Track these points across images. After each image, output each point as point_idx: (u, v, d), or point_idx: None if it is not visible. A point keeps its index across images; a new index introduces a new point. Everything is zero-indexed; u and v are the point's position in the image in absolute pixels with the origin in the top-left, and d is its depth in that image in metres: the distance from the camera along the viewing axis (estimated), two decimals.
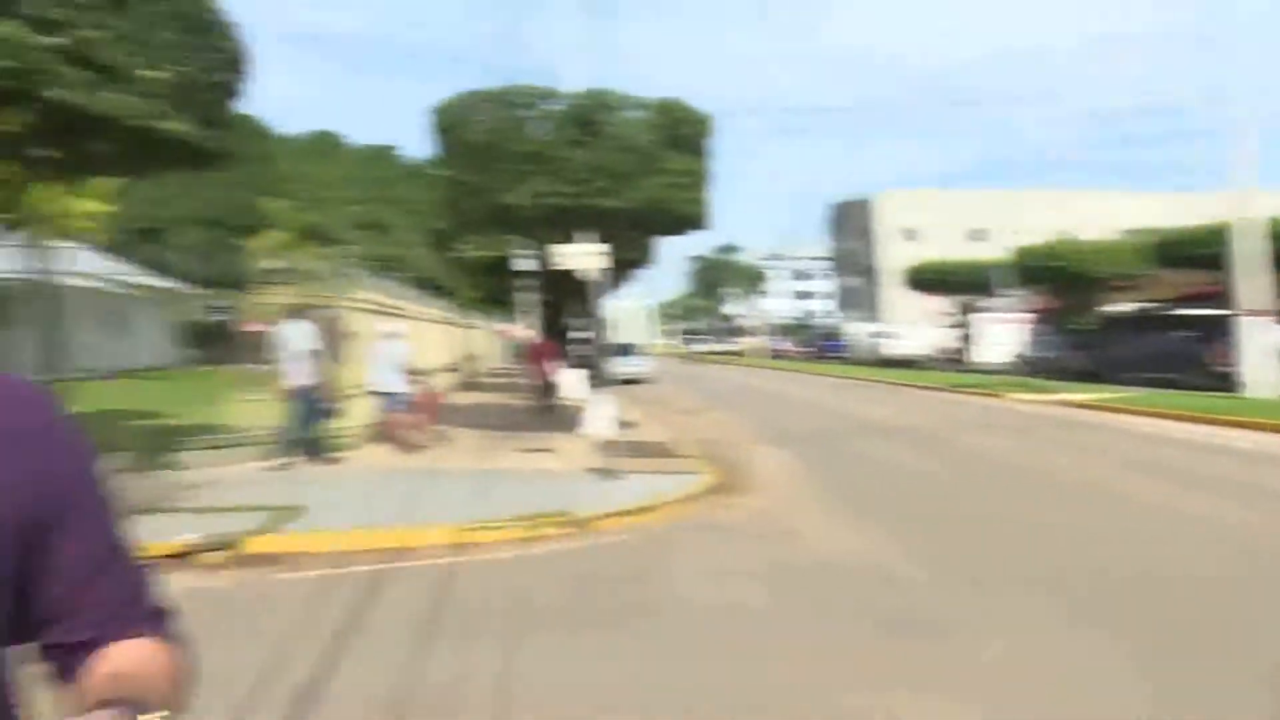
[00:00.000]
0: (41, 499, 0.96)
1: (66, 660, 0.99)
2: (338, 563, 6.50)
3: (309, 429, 10.44)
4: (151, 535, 6.57)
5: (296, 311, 10.56)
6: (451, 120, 11.86)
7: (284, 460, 10.19)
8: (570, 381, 21.02)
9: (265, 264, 34.45)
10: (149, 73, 7.02)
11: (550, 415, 15.93)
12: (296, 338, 10.19)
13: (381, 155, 55.71)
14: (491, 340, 42.25)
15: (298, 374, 10.11)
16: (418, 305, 17.63)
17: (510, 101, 11.51)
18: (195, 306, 30.08)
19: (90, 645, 0.99)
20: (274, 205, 38.34)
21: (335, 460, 10.62)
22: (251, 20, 8.34)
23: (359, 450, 11.63)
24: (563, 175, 11.29)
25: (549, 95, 11.62)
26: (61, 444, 1.00)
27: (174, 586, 4.23)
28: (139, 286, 28.24)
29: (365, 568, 6.36)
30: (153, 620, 1.05)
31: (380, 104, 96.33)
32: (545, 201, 11.46)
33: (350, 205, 48.64)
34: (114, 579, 1.02)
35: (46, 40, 6.42)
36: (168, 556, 6.39)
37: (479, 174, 11.56)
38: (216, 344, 27.88)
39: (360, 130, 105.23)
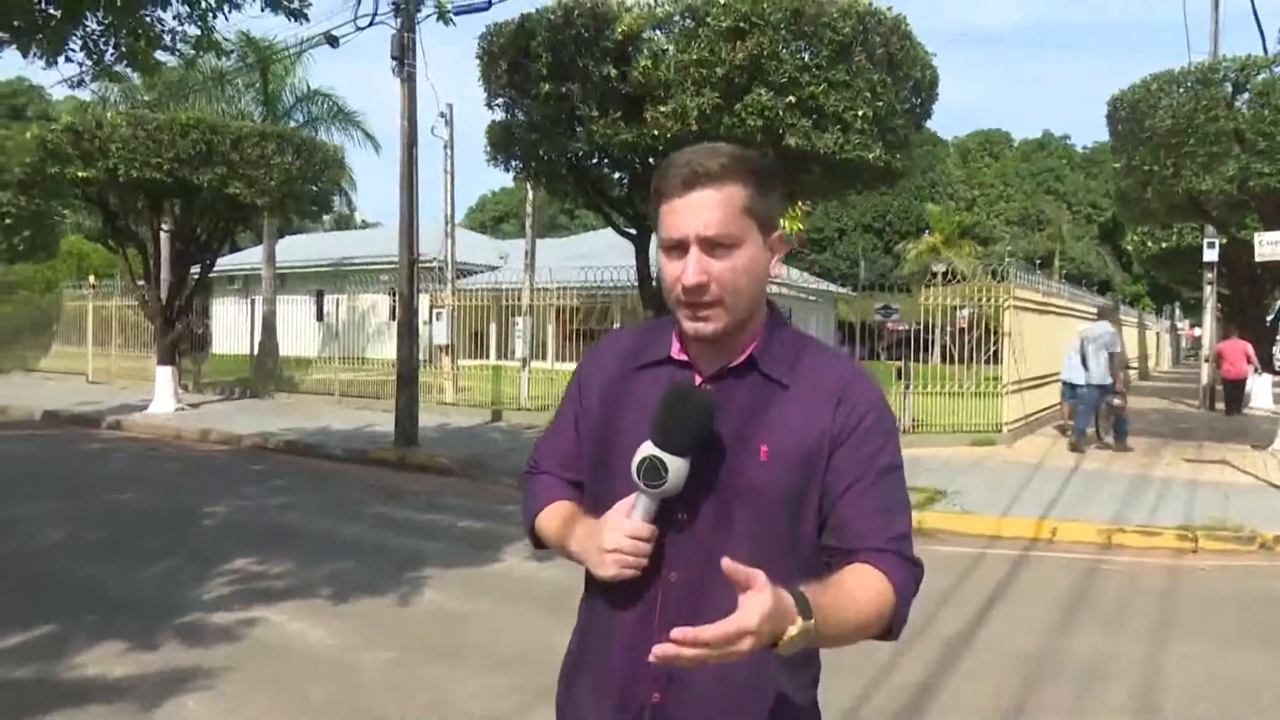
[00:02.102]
0: (823, 442, 1.29)
1: (830, 560, 1.29)
2: (984, 544, 7.09)
3: (1087, 421, 11.59)
4: None
5: (1102, 314, 11.68)
6: (1130, 108, 11.37)
7: (1077, 446, 11.30)
8: (1263, 389, 18.13)
9: (918, 265, 36.37)
10: (858, 113, 8.58)
11: (1231, 424, 14.08)
12: (1097, 338, 11.25)
13: (1044, 146, 53.89)
14: (1157, 339, 37.99)
15: (1096, 372, 11.22)
16: (1073, 301, 17.06)
17: (1205, 79, 10.55)
18: (853, 308, 33.26)
19: (847, 554, 1.27)
20: (933, 209, 40.01)
21: (1128, 449, 11.41)
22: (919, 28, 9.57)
23: (1022, 441, 12.07)
24: (1272, 154, 9.97)
25: (1261, 65, 10.34)
26: (851, 403, 1.31)
27: None
28: (808, 290, 32.27)
29: (1009, 552, 6.84)
30: (890, 551, 1.27)
31: (1045, 92, 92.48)
32: (1249, 185, 10.28)
33: (1007, 201, 48.20)
34: (870, 508, 1.28)
35: (784, 100, 8.37)
36: None
37: (1162, 161, 10.82)
38: (868, 341, 30.49)
39: (1026, 123, 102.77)
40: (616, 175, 11.57)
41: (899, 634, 1.30)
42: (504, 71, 9.71)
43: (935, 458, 10.79)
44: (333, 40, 12.77)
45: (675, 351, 1.37)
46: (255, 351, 19.55)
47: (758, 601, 1.05)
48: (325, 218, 41.92)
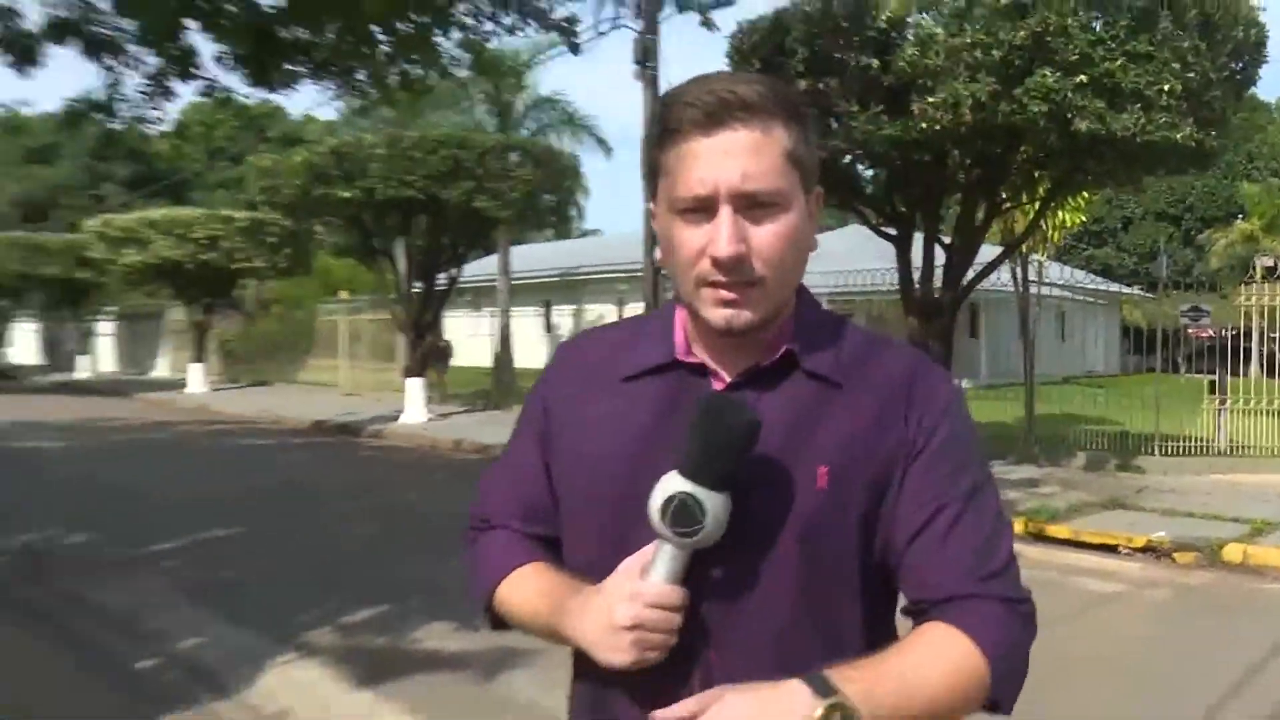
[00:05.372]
0: (897, 458, 1.10)
1: (915, 615, 1.11)
2: None
3: None
4: (1121, 527, 8.06)
5: None
6: None
7: None
8: None
9: (1229, 258, 33.42)
10: (1163, 88, 8.46)
11: None
12: None
13: None
14: None
15: None
16: None
17: None
18: (1146, 310, 31.16)
19: (927, 611, 1.09)
20: (1250, 188, 36.57)
21: None
22: None
23: None
24: None
25: None
26: (922, 407, 1.12)
27: (1141, 574, 5.51)
28: (1088, 292, 30.66)
29: None
30: (978, 595, 1.06)
31: None
32: None
33: None
34: (954, 547, 1.08)
35: (1073, 80, 8.41)
36: (1138, 550, 7.63)
37: None
38: (1162, 350, 28.55)
39: None
40: (871, 172, 11.87)
41: (1010, 705, 1.08)
42: (757, 70, 10.31)
43: (1265, 486, 10.25)
44: (574, 46, 13.99)
45: (682, 352, 1.16)
46: (495, 364, 21.45)
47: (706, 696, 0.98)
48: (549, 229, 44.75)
